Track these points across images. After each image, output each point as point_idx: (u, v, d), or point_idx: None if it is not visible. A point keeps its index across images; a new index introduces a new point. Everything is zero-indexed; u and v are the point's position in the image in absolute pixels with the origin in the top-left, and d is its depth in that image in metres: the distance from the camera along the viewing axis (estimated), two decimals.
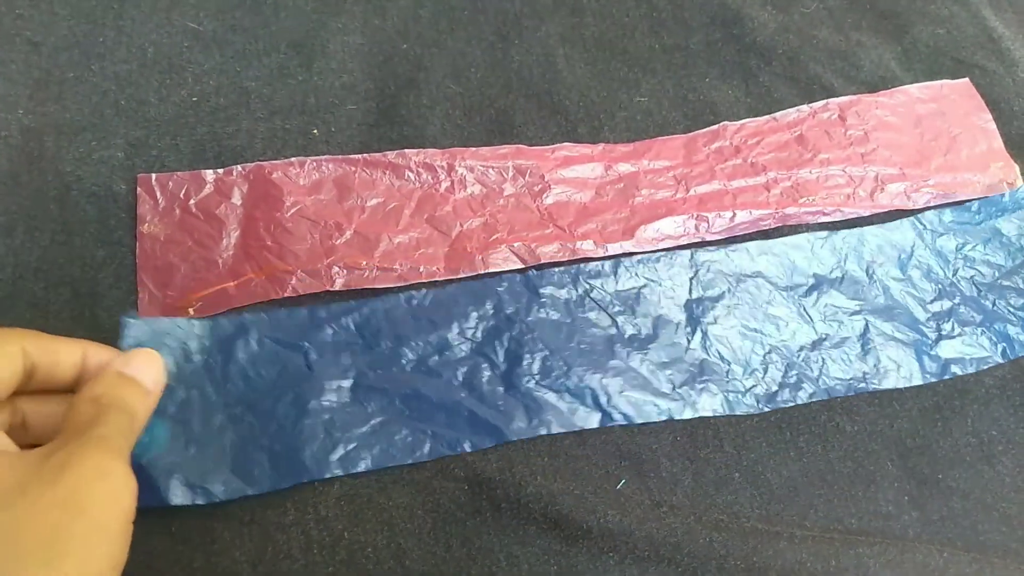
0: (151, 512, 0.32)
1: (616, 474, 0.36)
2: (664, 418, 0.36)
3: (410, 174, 0.40)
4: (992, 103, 0.47)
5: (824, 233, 0.41)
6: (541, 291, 0.38)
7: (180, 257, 0.37)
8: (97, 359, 0.30)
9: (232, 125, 0.41)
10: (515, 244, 0.39)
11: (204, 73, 0.42)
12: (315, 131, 0.41)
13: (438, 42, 0.45)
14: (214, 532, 0.33)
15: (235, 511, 0.33)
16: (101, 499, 0.25)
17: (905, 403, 0.38)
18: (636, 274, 0.39)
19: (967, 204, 0.43)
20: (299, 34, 0.44)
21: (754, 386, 0.38)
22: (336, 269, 0.37)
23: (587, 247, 0.39)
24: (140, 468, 0.31)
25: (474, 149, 0.41)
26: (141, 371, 0.30)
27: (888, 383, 0.38)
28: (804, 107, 0.45)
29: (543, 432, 0.35)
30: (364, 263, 0.38)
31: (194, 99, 0.41)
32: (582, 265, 0.39)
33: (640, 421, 0.36)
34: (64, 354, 0.29)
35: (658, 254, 0.40)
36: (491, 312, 0.37)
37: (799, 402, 0.37)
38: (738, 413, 0.37)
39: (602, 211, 0.41)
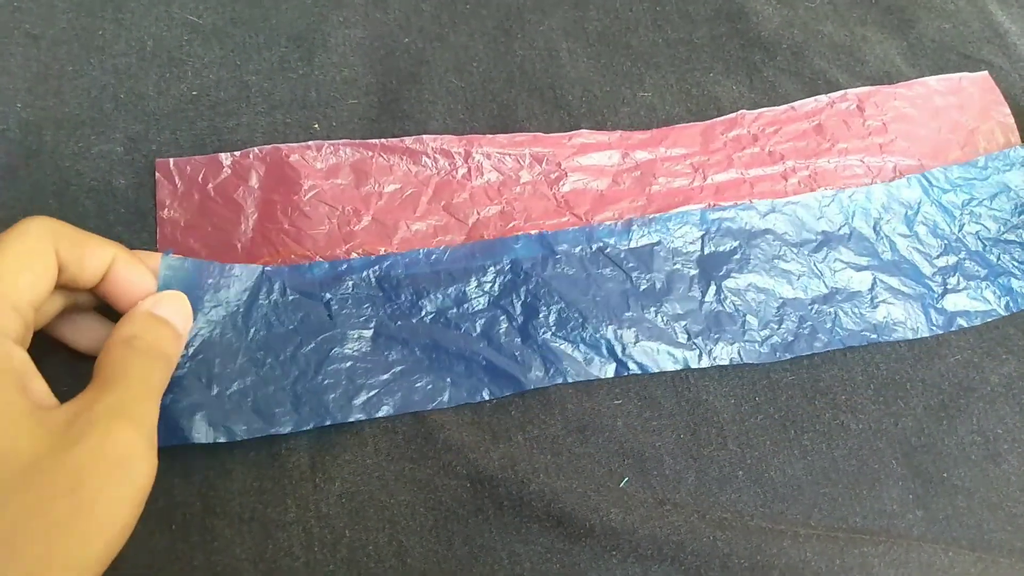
0: (151, 509, 0.32)
1: (619, 472, 0.35)
2: (680, 367, 0.37)
3: (427, 160, 0.40)
4: None
5: (831, 191, 0.42)
6: (556, 248, 0.39)
7: (200, 242, 0.37)
8: (122, 271, 0.30)
9: (232, 119, 0.40)
10: (532, 232, 0.39)
11: (204, 67, 0.41)
12: (316, 125, 0.41)
13: (440, 36, 0.45)
14: (214, 530, 0.32)
15: (235, 508, 0.33)
16: (114, 489, 0.24)
17: (910, 401, 0.38)
18: (648, 232, 0.40)
19: (975, 160, 0.44)
20: (300, 27, 0.43)
21: (770, 336, 0.38)
22: (355, 255, 0.37)
23: None
24: (163, 408, 0.32)
25: (491, 136, 0.41)
26: (172, 313, 0.31)
27: (896, 335, 0.39)
28: (822, 97, 0.45)
29: (559, 381, 0.36)
30: (383, 250, 0.38)
31: (194, 93, 0.41)
32: (596, 224, 0.39)
33: (655, 371, 0.37)
34: (91, 258, 0.28)
35: (669, 213, 0.40)
36: (508, 267, 0.38)
37: (815, 351, 0.38)
38: (755, 362, 0.38)
39: (619, 199, 0.41)
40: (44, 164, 0.38)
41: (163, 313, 0.30)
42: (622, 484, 0.35)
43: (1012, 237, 0.42)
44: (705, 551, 0.33)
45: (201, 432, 0.32)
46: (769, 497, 0.36)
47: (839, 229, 0.41)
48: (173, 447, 0.33)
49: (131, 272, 0.30)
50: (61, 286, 0.29)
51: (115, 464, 0.24)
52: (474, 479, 0.34)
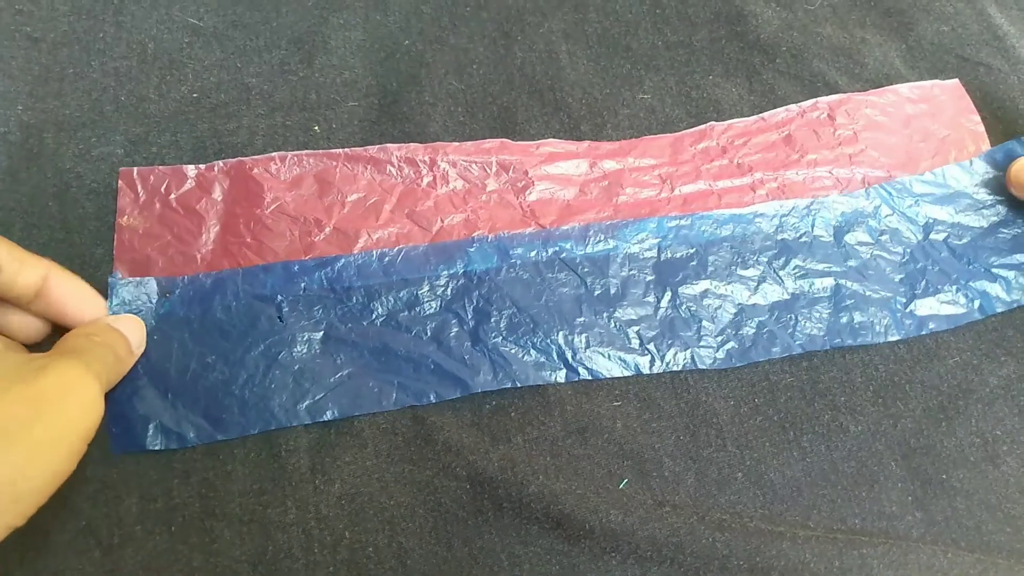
0: (150, 511, 0.33)
1: (618, 473, 0.35)
2: (631, 373, 0.37)
3: (392, 169, 0.40)
4: (996, 101, 0.47)
5: (790, 201, 0.42)
6: (511, 252, 0.39)
7: (158, 251, 0.37)
8: (60, 283, 0.32)
9: (233, 122, 0.40)
10: (489, 236, 0.39)
11: (204, 69, 0.42)
12: (316, 127, 0.41)
13: (440, 38, 0.45)
14: (214, 531, 0.33)
15: (235, 510, 0.33)
16: (68, 408, 0.27)
17: (909, 403, 0.38)
18: (605, 238, 0.40)
19: (934, 170, 0.44)
20: (300, 30, 0.44)
21: (726, 342, 0.38)
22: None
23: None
24: (122, 416, 0.33)
25: (457, 144, 0.41)
26: (128, 331, 0.33)
27: (864, 339, 0.39)
28: (793, 106, 0.45)
29: (507, 385, 0.36)
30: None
31: (194, 95, 0.41)
32: (552, 229, 0.39)
33: (606, 376, 0.37)
34: (28, 268, 0.30)
35: (626, 220, 0.40)
36: (461, 271, 0.38)
37: (772, 357, 0.38)
38: (710, 368, 0.38)
39: (585, 209, 0.41)
40: (45, 166, 0.38)
41: (121, 328, 0.33)
42: (621, 485, 0.35)
43: (982, 243, 0.42)
44: (704, 552, 0.33)
45: (155, 440, 0.33)
46: (768, 498, 0.36)
47: (800, 237, 0.41)
48: (171, 450, 0.33)
49: (68, 284, 0.32)
50: None
51: (73, 390, 0.27)
52: (474, 481, 0.34)
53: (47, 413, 0.26)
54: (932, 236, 0.42)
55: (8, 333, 0.32)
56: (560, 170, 0.41)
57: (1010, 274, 0.41)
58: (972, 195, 0.43)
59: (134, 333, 0.33)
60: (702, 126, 0.44)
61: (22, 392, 0.26)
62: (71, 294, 0.32)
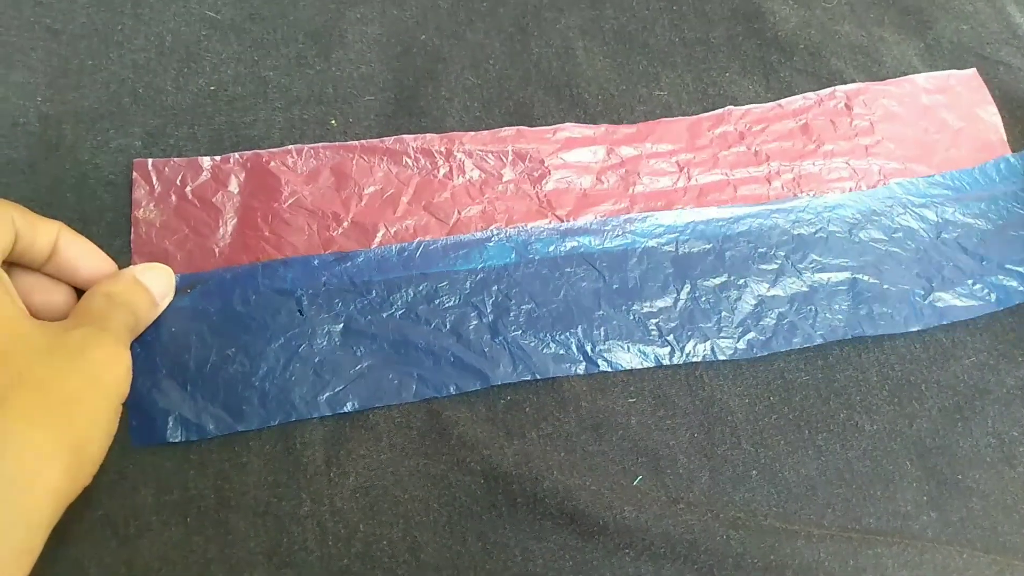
0: (166, 502, 0.33)
1: (633, 470, 0.35)
2: (651, 365, 0.37)
3: (408, 160, 0.40)
4: (1016, 99, 0.46)
5: (805, 198, 0.42)
6: (529, 247, 0.39)
7: (176, 245, 0.37)
8: (70, 243, 0.32)
9: (250, 115, 0.40)
10: (507, 228, 0.39)
11: (222, 62, 0.42)
12: (333, 121, 0.41)
13: (457, 33, 0.45)
14: (229, 523, 0.33)
15: (250, 502, 0.33)
16: (113, 380, 0.29)
17: (925, 402, 0.38)
18: (623, 233, 0.40)
19: (944, 173, 0.44)
20: (317, 24, 0.44)
21: (746, 333, 0.38)
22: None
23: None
24: (141, 409, 0.34)
25: (473, 133, 0.41)
26: (154, 283, 0.34)
27: (884, 329, 0.39)
28: (811, 94, 0.45)
29: (527, 377, 0.36)
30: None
31: (212, 88, 0.41)
32: (570, 223, 0.40)
33: (626, 368, 0.37)
34: (42, 232, 0.31)
35: (644, 215, 0.40)
36: (480, 266, 0.38)
37: (793, 347, 0.38)
38: (732, 358, 0.38)
39: (601, 200, 0.40)
40: (63, 157, 0.38)
41: (145, 280, 0.34)
42: (636, 482, 0.35)
43: (993, 242, 0.42)
44: (718, 550, 0.33)
45: (175, 432, 0.33)
46: (783, 497, 0.36)
47: (815, 233, 0.41)
48: (187, 442, 0.34)
49: (79, 244, 0.33)
50: (14, 260, 0.31)
51: (114, 360, 0.29)
52: (488, 475, 0.34)
53: (99, 386, 0.28)
54: (944, 235, 0.42)
55: (32, 309, 0.32)
56: (577, 157, 0.41)
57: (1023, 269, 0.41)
58: (980, 199, 0.43)
59: (160, 284, 0.34)
60: (719, 110, 0.44)
61: (75, 367, 0.27)
62: (82, 253, 0.33)
